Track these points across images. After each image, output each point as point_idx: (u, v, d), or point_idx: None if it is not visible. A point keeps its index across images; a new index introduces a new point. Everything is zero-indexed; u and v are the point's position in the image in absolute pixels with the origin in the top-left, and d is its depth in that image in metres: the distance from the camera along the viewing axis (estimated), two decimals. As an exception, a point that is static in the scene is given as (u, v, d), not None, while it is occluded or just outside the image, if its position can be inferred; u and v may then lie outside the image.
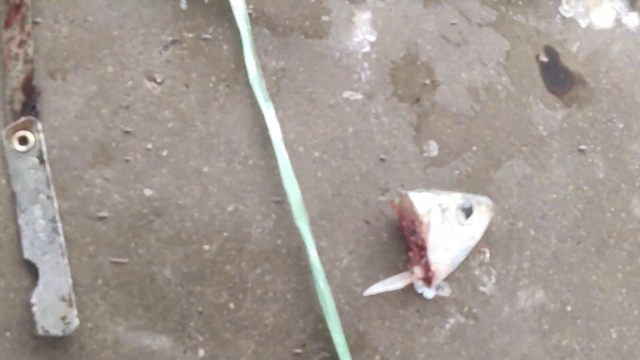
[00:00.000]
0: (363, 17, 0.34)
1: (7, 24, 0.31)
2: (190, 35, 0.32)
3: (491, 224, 0.31)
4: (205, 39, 0.32)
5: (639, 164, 0.34)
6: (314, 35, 0.33)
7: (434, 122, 0.33)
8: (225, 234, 0.30)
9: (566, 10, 0.35)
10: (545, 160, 0.33)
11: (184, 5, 0.32)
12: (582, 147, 0.34)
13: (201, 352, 0.29)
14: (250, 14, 0.33)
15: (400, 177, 0.32)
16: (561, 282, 0.32)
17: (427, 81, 0.33)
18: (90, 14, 0.32)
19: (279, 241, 0.31)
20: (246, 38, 0.32)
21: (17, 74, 0.31)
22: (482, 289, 0.31)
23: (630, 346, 0.31)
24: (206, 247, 0.30)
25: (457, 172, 0.32)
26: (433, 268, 0.30)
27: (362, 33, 0.33)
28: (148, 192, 0.30)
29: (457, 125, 0.33)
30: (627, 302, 0.32)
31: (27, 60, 0.31)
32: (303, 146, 0.32)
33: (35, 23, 0.31)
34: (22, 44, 0.31)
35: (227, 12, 0.32)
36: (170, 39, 0.32)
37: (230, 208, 0.31)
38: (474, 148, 0.33)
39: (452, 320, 0.30)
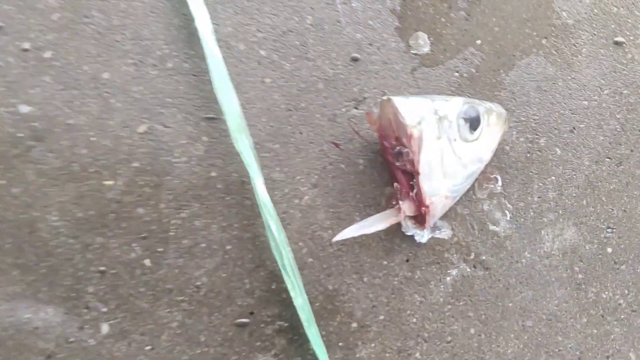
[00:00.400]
0: None
1: None
2: None
3: (504, 142, 0.23)
4: None
5: None
6: None
7: (423, 8, 0.24)
8: (135, 164, 0.22)
9: None
10: (572, 57, 0.24)
11: None
12: (619, 38, 0.25)
13: (105, 328, 0.20)
14: None
15: (379, 82, 0.23)
16: (598, 216, 0.23)
17: None
18: None
19: (213, 173, 0.22)
20: None
21: None
22: (493, 228, 0.23)
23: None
24: (108, 182, 0.21)
25: (456, 74, 0.24)
26: (427, 202, 0.22)
27: None
28: (25, 108, 0.21)
29: (456, 12, 0.24)
30: None
31: None
32: (243, 42, 0.23)
33: None
34: None
35: None
36: None
37: (142, 129, 0.22)
38: (478, 42, 0.24)
39: (454, 272, 0.22)
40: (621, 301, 0.24)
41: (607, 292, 0.24)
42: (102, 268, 0.21)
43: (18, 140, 0.21)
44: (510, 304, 0.23)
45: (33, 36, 0.22)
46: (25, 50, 0.22)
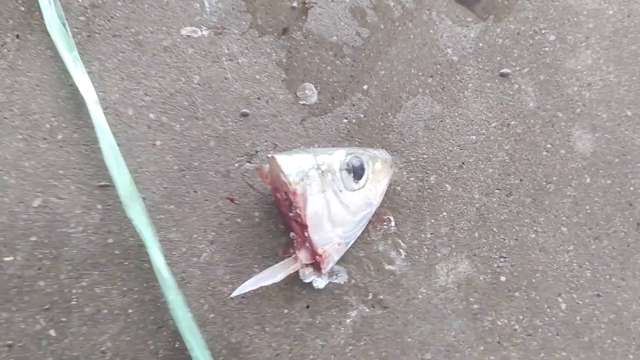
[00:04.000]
0: None
1: None
2: None
3: (394, 183, 0.38)
4: None
5: (578, 85, 0.41)
6: None
7: (309, 58, 0.38)
8: (33, 238, 0.35)
9: None
10: (459, 93, 0.40)
11: None
12: (505, 70, 0.40)
13: (14, 398, 0.34)
14: None
15: (271, 135, 0.38)
16: (491, 247, 0.39)
17: (296, 3, 0.39)
18: None
19: (110, 240, 0.36)
20: None
21: None
22: (389, 267, 0.38)
23: (585, 317, 0.38)
24: (8, 258, 0.35)
25: (344, 120, 0.38)
26: (320, 250, 0.35)
27: None
28: None
29: (340, 58, 0.39)
30: (576, 261, 0.39)
31: None
32: (132, 107, 0.37)
33: None
34: None
35: None
36: None
37: (37, 203, 0.35)
38: (365, 87, 0.39)
39: (353, 313, 0.37)
40: (516, 326, 0.39)
41: (502, 319, 0.39)
42: (10, 342, 0.34)
43: None
44: (409, 339, 0.38)
45: None
46: None
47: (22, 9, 0.38)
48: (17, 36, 0.38)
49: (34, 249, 0.36)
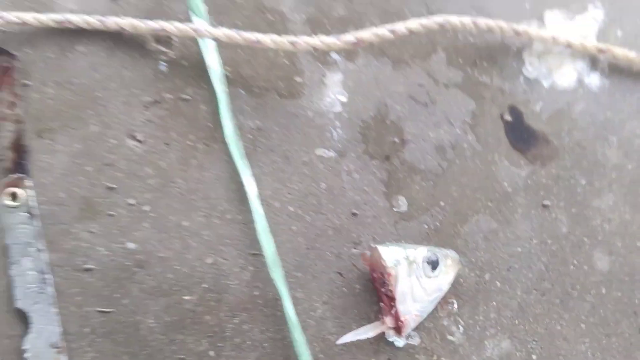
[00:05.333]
0: (334, 79, 0.67)
1: None
2: (170, 96, 0.65)
3: (458, 276, 0.63)
4: (184, 100, 0.65)
5: (600, 219, 0.67)
6: (287, 96, 0.66)
7: (403, 179, 0.65)
8: (204, 285, 0.61)
9: (529, 71, 0.69)
10: (511, 215, 0.65)
11: (163, 68, 0.65)
12: (546, 202, 0.66)
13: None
14: (226, 76, 0.66)
15: (371, 231, 0.64)
16: (526, 332, 0.63)
17: (397, 139, 0.66)
18: (74, 77, 0.64)
19: (256, 292, 0.61)
20: (222, 99, 0.65)
21: (7, 133, 0.62)
22: (450, 338, 0.62)
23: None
24: (187, 297, 0.60)
25: (425, 226, 0.64)
26: (402, 318, 0.61)
27: (334, 93, 0.66)
28: (131, 245, 0.61)
29: (426, 181, 0.65)
30: (590, 351, 0.63)
31: (17, 121, 0.63)
32: (278, 201, 0.63)
33: (24, 85, 0.62)
34: (11, 105, 0.63)
35: (204, 74, 0.65)
36: (150, 99, 0.64)
37: (210, 260, 0.61)
38: (442, 203, 0.65)
39: None
40: (541, 395, 0.63)
41: (531, 388, 0.63)
42: (182, 356, 0.59)
43: (127, 267, 0.61)
44: (461, 393, 0.62)
45: (136, 195, 0.62)
46: (131, 204, 0.62)
47: (210, 125, 0.66)
48: (205, 144, 0.65)
49: (205, 292, 0.62)
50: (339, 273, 0.66)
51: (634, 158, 0.73)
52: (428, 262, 0.65)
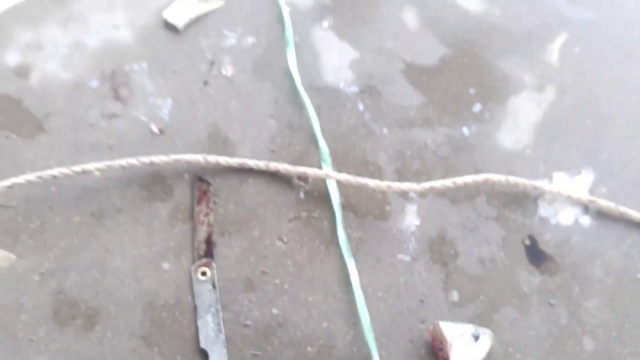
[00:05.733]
0: (412, 209, 1.01)
1: (199, 202, 0.97)
2: (305, 214, 0.99)
3: (492, 349, 0.93)
4: (314, 217, 0.99)
5: (588, 315, 0.97)
6: (380, 218, 1.00)
7: (456, 279, 0.97)
8: (321, 341, 0.92)
9: (542, 212, 1.02)
10: (527, 309, 0.96)
11: (302, 196, 0.99)
12: (552, 302, 0.97)
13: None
14: (341, 203, 0.99)
15: (433, 314, 0.95)
16: None
17: (452, 252, 0.99)
18: (246, 199, 0.99)
19: (354, 349, 0.92)
20: (339, 217, 0.99)
21: (202, 232, 0.96)
22: None
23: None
24: (309, 349, 0.91)
25: (470, 312, 0.95)
26: None
27: (411, 219, 1.00)
28: (275, 311, 0.93)
29: (471, 282, 0.97)
30: None
31: (209, 225, 0.97)
32: (372, 288, 0.95)
33: (215, 202, 0.97)
34: (206, 214, 0.97)
35: (328, 201, 1.00)
36: (292, 216, 0.98)
37: (325, 325, 0.93)
38: (481, 297, 0.96)
39: None
40: None
41: None
42: None
43: (271, 326, 0.92)
44: None
45: (280, 277, 0.95)
46: (277, 283, 0.95)
47: (330, 234, 0.99)
48: (326, 247, 0.99)
49: (321, 347, 0.93)
50: (411, 341, 0.96)
51: (613, 275, 1.04)
52: (473, 336, 0.95)
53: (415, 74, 1.15)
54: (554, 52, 1.21)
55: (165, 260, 0.95)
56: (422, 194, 1.06)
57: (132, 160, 0.99)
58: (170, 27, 1.15)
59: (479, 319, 0.99)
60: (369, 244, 1.01)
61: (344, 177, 1.00)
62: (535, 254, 1.05)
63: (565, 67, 1.20)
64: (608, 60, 1.23)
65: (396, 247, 1.02)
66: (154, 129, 1.04)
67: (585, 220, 1.08)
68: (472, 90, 1.15)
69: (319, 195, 1.03)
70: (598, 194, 1.10)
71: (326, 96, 1.11)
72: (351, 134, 1.08)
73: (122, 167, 0.98)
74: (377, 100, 1.11)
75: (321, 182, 1.04)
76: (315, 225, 1.01)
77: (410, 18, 1.19)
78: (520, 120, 1.13)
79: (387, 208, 1.04)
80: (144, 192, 0.99)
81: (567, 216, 1.08)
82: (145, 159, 0.99)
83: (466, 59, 1.18)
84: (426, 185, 1.00)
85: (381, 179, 1.05)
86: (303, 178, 1.04)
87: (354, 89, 1.12)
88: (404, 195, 1.05)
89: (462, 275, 1.01)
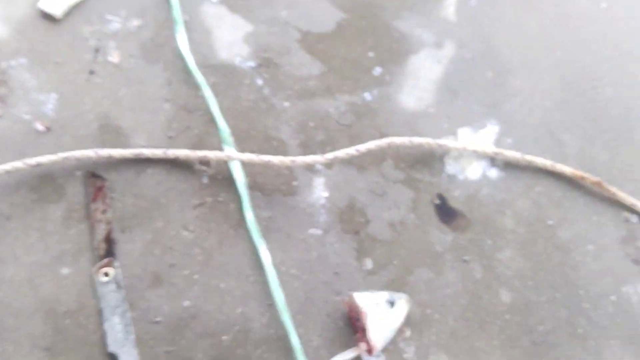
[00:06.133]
0: (319, 181, 0.97)
1: (94, 199, 0.91)
2: (210, 199, 0.94)
3: (409, 312, 0.91)
4: (219, 201, 0.94)
5: (502, 267, 0.96)
6: (288, 194, 0.96)
7: (368, 246, 0.94)
8: (236, 327, 0.88)
9: (449, 169, 1.00)
10: (442, 268, 0.95)
11: (205, 180, 0.94)
12: (466, 257, 0.96)
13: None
14: (247, 183, 0.94)
15: (348, 284, 0.92)
16: (458, 348, 0.91)
17: (362, 220, 0.96)
18: (145, 190, 0.93)
19: (271, 331, 0.89)
20: (245, 199, 0.94)
21: (101, 231, 0.90)
22: (405, 356, 0.90)
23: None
24: (224, 337, 0.88)
25: (385, 278, 0.93)
26: (372, 343, 0.88)
27: (319, 191, 0.96)
28: (186, 303, 0.88)
29: (383, 247, 0.95)
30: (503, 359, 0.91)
31: (107, 222, 0.91)
32: (284, 266, 0.92)
33: (111, 198, 0.91)
34: (103, 211, 0.91)
35: (232, 183, 0.95)
36: (197, 202, 0.93)
37: (239, 310, 0.89)
38: (395, 262, 0.94)
39: None
40: (470, 390, 0.90)
41: (462, 386, 0.90)
42: None
43: (183, 318, 0.88)
44: (415, 392, 0.89)
45: (189, 267, 0.90)
46: (186, 275, 0.90)
47: (237, 217, 0.95)
48: (234, 230, 0.94)
49: (237, 333, 0.89)
50: (328, 315, 0.93)
51: (523, 225, 1.03)
52: (388, 302, 0.93)
53: (312, 42, 1.09)
54: (450, 6, 1.18)
55: (63, 265, 0.89)
56: (328, 165, 1.02)
57: (18, 164, 0.91)
58: (47, 17, 1.05)
59: (394, 284, 0.97)
60: (279, 221, 0.97)
61: (247, 156, 0.95)
62: (446, 212, 1.03)
63: (463, 20, 1.17)
64: (505, 10, 1.20)
65: (306, 221, 0.98)
66: (39, 126, 0.96)
67: (493, 173, 1.06)
68: (371, 54, 1.10)
69: (224, 178, 0.98)
70: (504, 145, 1.08)
71: (222, 74, 1.05)
72: (251, 111, 1.03)
73: (7, 172, 0.91)
74: (275, 73, 1.06)
75: (224, 165, 0.98)
76: (222, 210, 0.96)
77: (302, -15, 1.14)
78: (421, 79, 1.10)
79: (295, 183, 1.00)
80: (34, 195, 0.92)
81: (474, 171, 1.06)
82: (32, 161, 0.91)
83: (363, 22, 1.13)
84: (330, 155, 0.96)
85: (286, 154, 1.01)
86: (205, 162, 0.98)
87: (251, 63, 1.06)
88: (310, 168, 1.01)
89: (374, 242, 0.98)
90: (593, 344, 0.99)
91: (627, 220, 1.08)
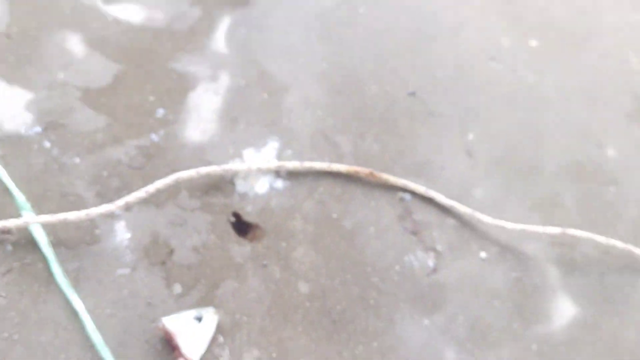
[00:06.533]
0: (120, 224, 1.07)
1: None
2: (17, 264, 1.01)
3: (220, 322, 1.03)
4: (26, 264, 1.02)
5: (297, 264, 1.10)
6: (92, 243, 1.05)
7: (176, 273, 1.04)
8: None
9: (240, 188, 1.12)
10: (245, 276, 1.07)
11: (9, 248, 1.01)
12: (264, 262, 1.09)
13: None
14: (51, 241, 1.02)
15: (162, 311, 1.03)
16: (269, 341, 1.03)
17: (167, 250, 1.06)
18: None
19: None
20: (50, 256, 1.02)
21: None
22: (221, 359, 1.01)
23: None
24: None
25: (195, 297, 1.05)
26: (188, 357, 0.99)
27: (122, 233, 1.06)
28: None
29: (189, 271, 1.06)
30: (313, 344, 1.05)
31: None
32: (99, 309, 1.01)
33: None
34: None
35: (36, 245, 1.01)
36: (4, 269, 1.00)
37: (62, 357, 0.97)
38: (202, 281, 1.06)
39: None
40: (283, 376, 1.03)
41: (276, 374, 1.03)
42: None
43: None
44: (235, 390, 1.01)
45: (8, 329, 0.97)
46: (5, 338, 0.97)
47: (47, 274, 1.02)
48: (45, 286, 1.02)
49: None
50: (147, 342, 1.03)
51: (311, 223, 1.18)
52: (196, 319, 1.04)
53: (94, 98, 1.17)
54: (219, 39, 1.29)
55: None
56: (127, 208, 1.11)
57: None
58: None
59: (203, 301, 1.08)
60: (87, 270, 1.05)
61: (43, 218, 1.02)
62: (242, 227, 1.15)
63: (234, 50, 1.29)
64: (272, 34, 1.33)
65: (113, 264, 1.07)
66: None
67: (279, 184, 1.20)
68: (151, 98, 1.20)
69: (27, 242, 1.05)
70: (285, 157, 1.22)
71: (9, 145, 1.10)
72: (44, 174, 1.09)
73: None
74: (62, 133, 1.13)
75: (25, 230, 1.05)
76: (31, 271, 1.03)
77: (75, 44, 1.20)
78: (203, 112, 1.21)
79: (97, 231, 1.08)
80: None
81: (262, 185, 1.19)
82: None
83: (140, 69, 1.22)
84: (121, 202, 1.05)
85: (84, 206, 1.08)
86: (6, 231, 1.04)
87: (37, 129, 1.13)
88: (109, 215, 1.10)
89: (180, 268, 1.09)
90: (385, 310, 1.15)
91: (401, 199, 1.25)
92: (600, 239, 1.29)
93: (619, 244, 1.30)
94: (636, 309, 1.28)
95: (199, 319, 1.04)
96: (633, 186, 1.41)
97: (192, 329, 1.03)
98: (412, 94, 1.35)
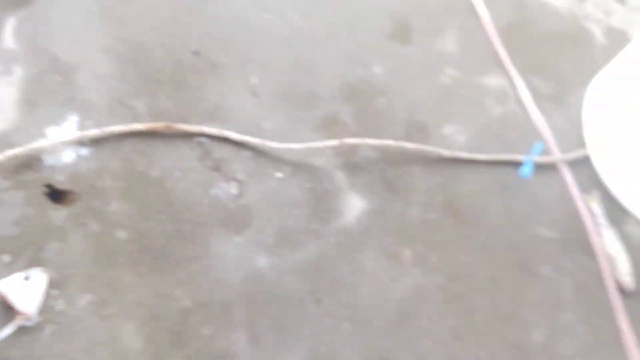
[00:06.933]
0: None
1: None
2: None
3: (51, 278, 1.16)
4: None
5: (113, 216, 1.25)
6: None
7: (2, 245, 1.17)
8: None
9: (48, 162, 1.26)
10: (66, 236, 1.21)
11: None
12: (83, 220, 1.23)
13: None
14: None
15: None
16: (99, 285, 1.18)
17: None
18: None
19: None
20: None
21: None
22: (58, 308, 1.16)
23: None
24: None
25: (22, 263, 1.18)
26: (24, 312, 1.13)
27: None
28: None
29: (15, 241, 1.18)
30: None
31: None
32: None
33: None
34: None
35: None
36: None
37: None
38: (28, 248, 1.18)
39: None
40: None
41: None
42: None
43: None
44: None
45: None
46: None
47: None
48: None
49: None
50: None
51: (120, 179, 1.33)
52: (24, 279, 1.17)
53: None
54: (8, 38, 1.40)
55: None
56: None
57: None
58: None
59: (32, 264, 1.21)
60: None
61: None
62: (57, 195, 1.29)
63: (23, 44, 1.40)
64: (56, 23, 1.45)
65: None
66: None
67: (84, 151, 1.34)
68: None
69: None
70: (87, 127, 1.36)
71: None
72: None
73: None
74: None
75: None
76: None
77: None
78: (2, 104, 1.32)
79: None
80: None
81: (69, 155, 1.32)
82: None
83: None
84: None
85: None
86: None
87: None
88: None
89: (6, 240, 1.21)
90: (200, 237, 1.34)
91: (200, 143, 1.43)
92: (374, 141, 1.54)
93: (391, 142, 1.55)
94: (414, 192, 1.54)
95: (27, 278, 1.17)
96: (399, 95, 1.66)
97: (22, 288, 1.16)
98: (197, 52, 1.53)
